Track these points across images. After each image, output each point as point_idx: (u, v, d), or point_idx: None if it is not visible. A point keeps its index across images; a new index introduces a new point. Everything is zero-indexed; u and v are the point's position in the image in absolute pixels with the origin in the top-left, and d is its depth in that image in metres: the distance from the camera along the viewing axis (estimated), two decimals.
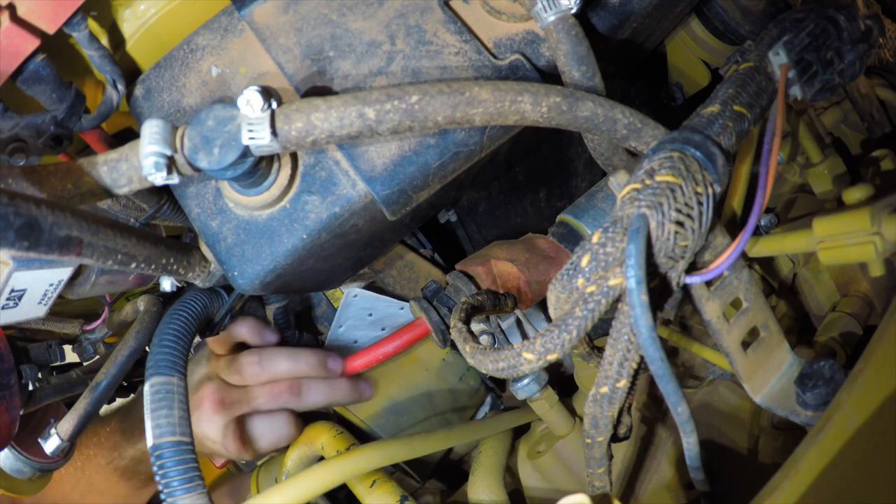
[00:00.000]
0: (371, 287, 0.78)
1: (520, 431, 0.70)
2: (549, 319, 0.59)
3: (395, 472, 0.72)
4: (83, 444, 0.74)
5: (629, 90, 0.86)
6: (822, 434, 0.36)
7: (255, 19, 0.51)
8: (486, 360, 0.41)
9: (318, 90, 0.49)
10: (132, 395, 0.77)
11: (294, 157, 0.49)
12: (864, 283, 0.66)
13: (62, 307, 0.71)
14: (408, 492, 0.57)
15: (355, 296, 0.75)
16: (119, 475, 0.73)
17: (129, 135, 0.63)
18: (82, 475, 0.74)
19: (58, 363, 0.63)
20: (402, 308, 0.75)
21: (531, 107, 0.41)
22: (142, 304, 0.64)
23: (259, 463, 0.74)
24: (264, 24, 0.51)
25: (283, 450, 0.68)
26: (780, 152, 0.62)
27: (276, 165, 0.47)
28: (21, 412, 0.53)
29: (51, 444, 0.55)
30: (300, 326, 0.78)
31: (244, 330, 0.70)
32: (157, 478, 0.44)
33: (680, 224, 0.34)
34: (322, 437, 0.63)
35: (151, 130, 0.39)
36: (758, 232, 0.65)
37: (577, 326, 0.36)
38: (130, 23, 0.52)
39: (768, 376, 0.45)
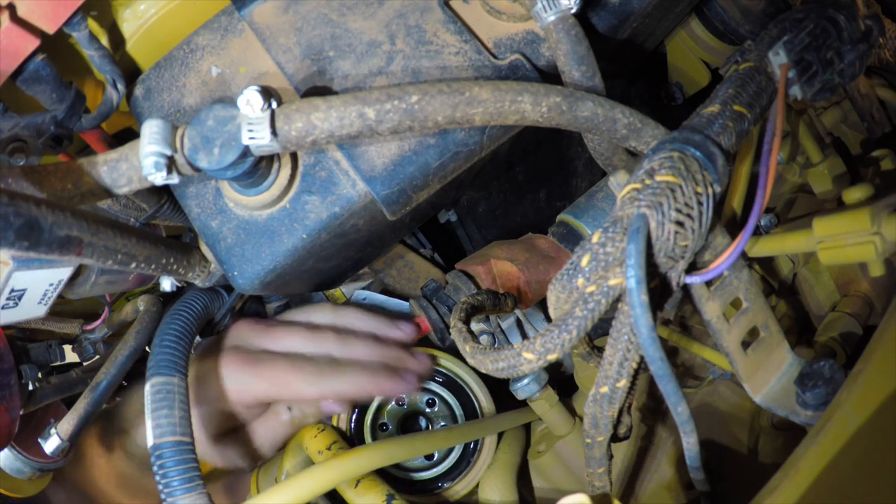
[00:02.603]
0: (375, 289, 0.78)
1: None
2: (549, 319, 0.59)
3: None
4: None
5: (629, 90, 0.86)
6: (822, 434, 0.36)
7: (255, 19, 0.51)
8: (486, 360, 0.41)
9: (318, 90, 0.49)
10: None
11: (294, 157, 0.49)
12: (864, 283, 0.66)
13: (62, 307, 0.71)
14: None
15: (364, 298, 0.75)
16: (114, 485, 0.72)
17: (129, 135, 0.63)
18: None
19: (58, 363, 0.63)
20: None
21: (531, 107, 0.41)
22: (142, 304, 0.64)
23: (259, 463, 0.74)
24: (264, 24, 0.51)
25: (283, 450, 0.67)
26: (780, 152, 0.62)
27: (276, 165, 0.47)
28: (21, 412, 0.53)
29: (51, 444, 0.55)
30: None
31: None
32: (157, 478, 0.44)
33: (680, 224, 0.34)
34: (305, 438, 0.62)
35: (151, 130, 0.39)
36: (758, 232, 0.65)
37: (577, 326, 0.36)
38: (130, 23, 0.52)
39: (768, 376, 0.45)
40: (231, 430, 0.63)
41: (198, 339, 0.70)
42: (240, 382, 0.59)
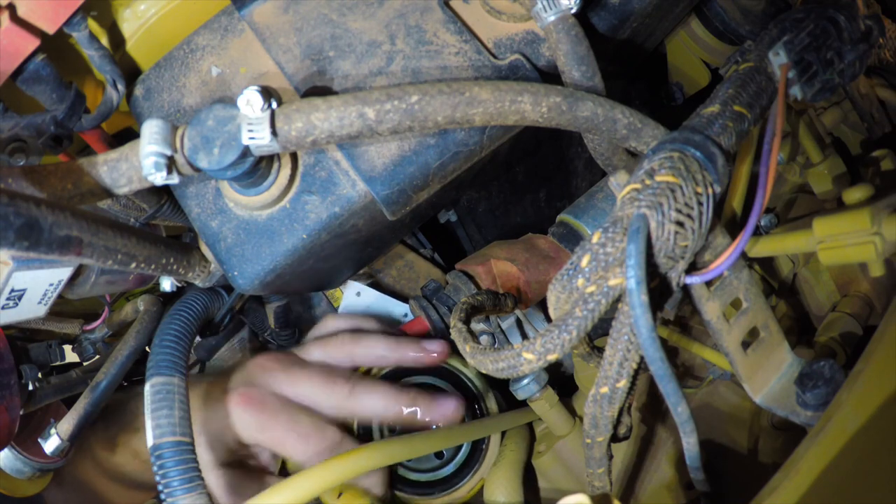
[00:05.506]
0: (372, 286, 0.78)
1: None
2: (549, 319, 0.59)
3: None
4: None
5: (629, 90, 0.86)
6: (822, 434, 0.36)
7: (255, 19, 0.51)
8: (486, 360, 0.41)
9: (318, 90, 0.49)
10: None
11: (294, 157, 0.49)
12: (864, 283, 0.66)
13: (62, 307, 0.71)
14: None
15: (358, 294, 0.75)
16: (117, 483, 0.72)
17: (129, 135, 0.63)
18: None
19: (58, 363, 0.63)
20: (405, 315, 0.75)
21: (531, 107, 0.41)
22: (142, 304, 0.64)
23: None
24: (264, 24, 0.51)
25: None
26: (780, 152, 0.62)
27: (276, 165, 0.47)
28: (21, 412, 0.53)
29: (51, 444, 0.55)
30: (300, 326, 0.78)
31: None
32: (157, 478, 0.44)
33: (680, 224, 0.34)
34: None
35: (151, 130, 0.39)
36: (758, 232, 0.65)
37: (577, 326, 0.36)
38: (130, 23, 0.52)
39: (768, 376, 0.45)
40: (236, 460, 0.61)
41: (198, 339, 0.71)
42: (242, 423, 0.58)
